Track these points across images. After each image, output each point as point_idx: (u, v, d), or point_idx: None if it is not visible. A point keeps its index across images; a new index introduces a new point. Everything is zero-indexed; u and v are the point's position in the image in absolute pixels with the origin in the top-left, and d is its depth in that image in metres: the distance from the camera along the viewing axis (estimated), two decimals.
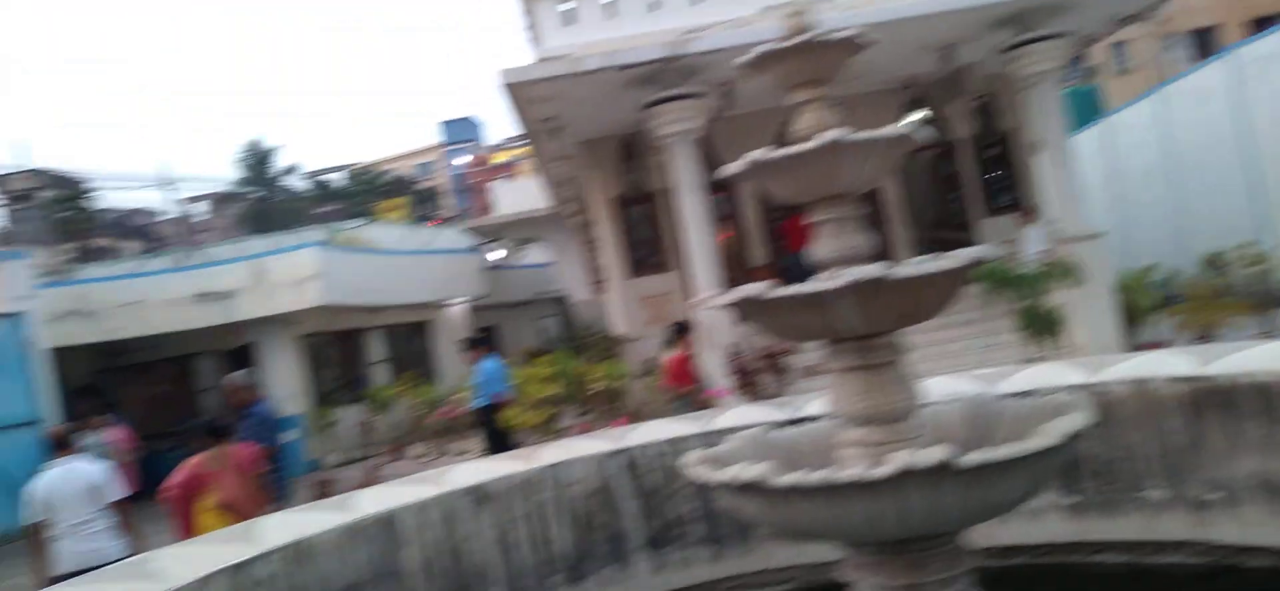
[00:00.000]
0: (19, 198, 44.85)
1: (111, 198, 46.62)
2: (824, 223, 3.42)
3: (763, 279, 11.63)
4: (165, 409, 17.20)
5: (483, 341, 9.93)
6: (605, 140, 13.91)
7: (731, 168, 3.28)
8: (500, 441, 9.54)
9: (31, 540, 5.75)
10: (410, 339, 19.21)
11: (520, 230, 23.21)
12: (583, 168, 14.82)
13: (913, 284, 2.99)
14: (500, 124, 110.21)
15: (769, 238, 14.80)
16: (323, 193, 53.83)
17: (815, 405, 6.07)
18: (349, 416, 16.82)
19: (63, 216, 44.50)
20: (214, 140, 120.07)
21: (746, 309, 3.21)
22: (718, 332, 10.84)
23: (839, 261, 3.34)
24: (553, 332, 24.84)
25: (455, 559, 5.69)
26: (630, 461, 6.30)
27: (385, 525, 5.37)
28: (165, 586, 4.36)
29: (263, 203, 49.12)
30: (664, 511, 6.39)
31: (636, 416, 11.94)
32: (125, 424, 13.42)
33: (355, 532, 5.27)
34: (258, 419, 6.70)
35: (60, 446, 5.88)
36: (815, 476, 2.84)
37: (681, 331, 8.85)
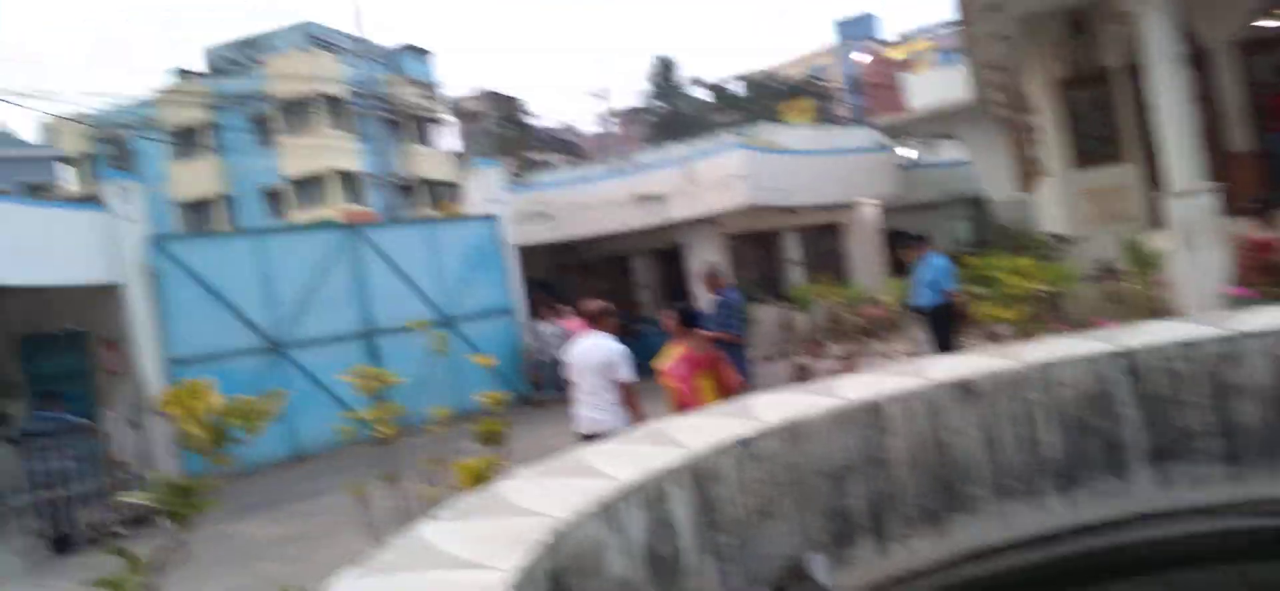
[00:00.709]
0: (469, 118, 51.71)
1: (541, 115, 51.98)
2: None
3: (1244, 164, 9.79)
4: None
5: (922, 238, 9.53)
6: (1051, 15, 12.57)
7: None
8: (947, 340, 9.15)
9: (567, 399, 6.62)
10: (822, 240, 19.27)
11: (932, 126, 22.05)
12: (1019, 48, 13.58)
13: None
14: (896, 18, 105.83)
15: (1251, 118, 12.57)
16: (722, 101, 55.56)
17: None
18: (768, 315, 17.32)
19: (503, 134, 50.53)
20: (623, 58, 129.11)
21: None
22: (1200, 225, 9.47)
23: None
24: (961, 235, 23.53)
25: (939, 452, 5.54)
26: (1132, 365, 5.68)
27: (871, 412, 5.34)
28: (685, 452, 4.69)
29: (670, 114, 51.85)
30: (1171, 422, 5.69)
31: (1096, 323, 10.92)
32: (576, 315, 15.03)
33: (844, 418, 5.30)
34: (728, 304, 7.00)
35: (592, 321, 6.58)
36: None
37: (1265, 208, 7.28)
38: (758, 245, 18.00)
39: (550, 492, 3.78)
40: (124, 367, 12.85)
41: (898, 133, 21.89)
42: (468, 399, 15.27)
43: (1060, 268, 11.65)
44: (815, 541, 5.05)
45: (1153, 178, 12.76)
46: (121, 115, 39.12)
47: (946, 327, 8.97)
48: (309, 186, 39.37)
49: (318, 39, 41.48)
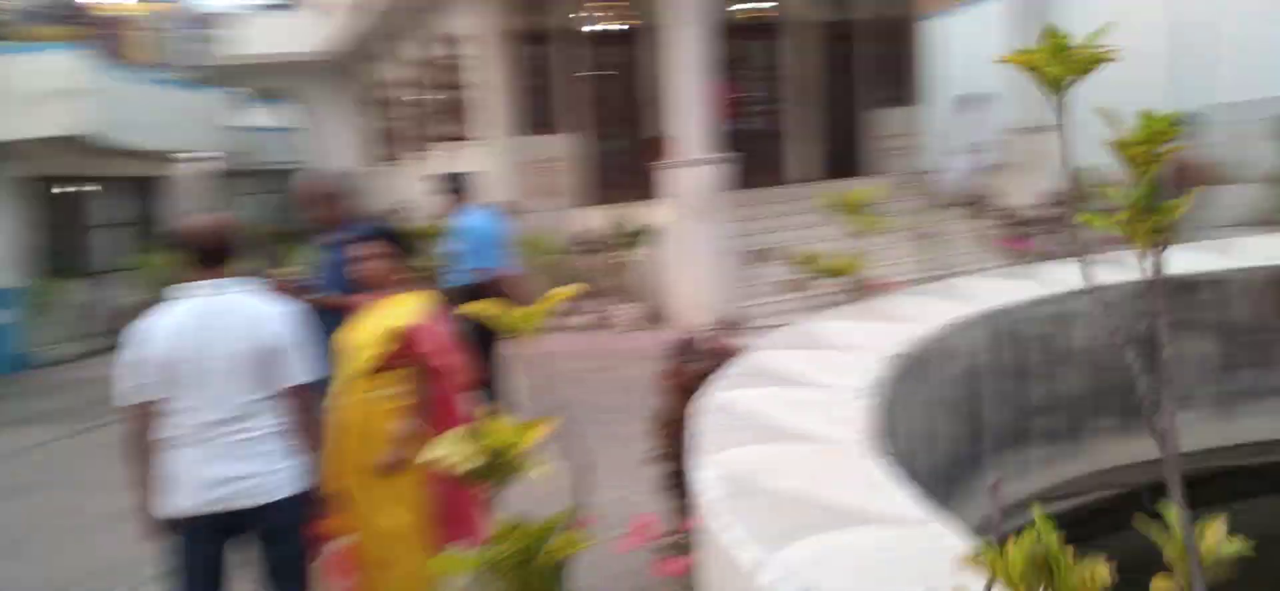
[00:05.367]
0: None
1: None
2: None
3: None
4: None
5: (460, 185, 7.03)
6: None
7: None
8: (488, 345, 6.22)
9: None
10: (139, 197, 14.44)
11: (265, 80, 18.63)
12: None
13: None
14: None
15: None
16: None
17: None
18: (76, 294, 12.33)
19: None
20: None
21: None
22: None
23: None
24: (260, 212, 19.86)
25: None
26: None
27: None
28: None
29: None
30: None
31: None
32: None
33: None
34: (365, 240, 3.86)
35: (213, 260, 2.76)
36: None
37: None
38: (70, 198, 12.47)
39: None
40: None
41: (216, 81, 17.80)
42: None
43: (542, 241, 10.36)
44: None
45: (592, 150, 12.26)
46: None
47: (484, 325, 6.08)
48: None
49: None
